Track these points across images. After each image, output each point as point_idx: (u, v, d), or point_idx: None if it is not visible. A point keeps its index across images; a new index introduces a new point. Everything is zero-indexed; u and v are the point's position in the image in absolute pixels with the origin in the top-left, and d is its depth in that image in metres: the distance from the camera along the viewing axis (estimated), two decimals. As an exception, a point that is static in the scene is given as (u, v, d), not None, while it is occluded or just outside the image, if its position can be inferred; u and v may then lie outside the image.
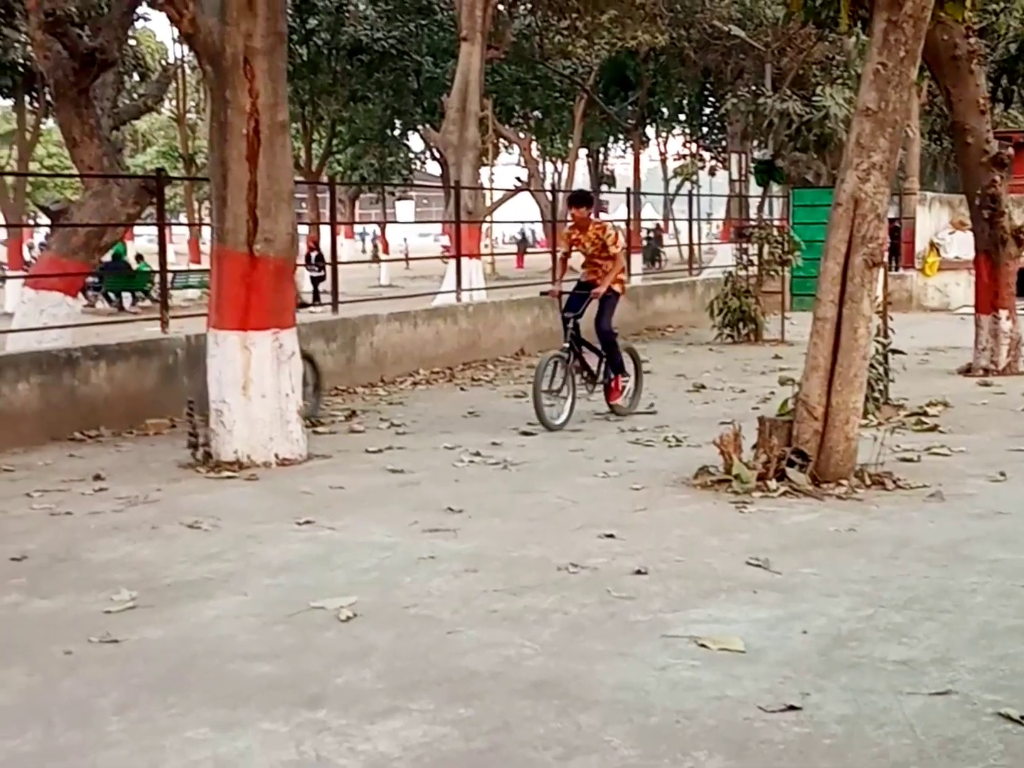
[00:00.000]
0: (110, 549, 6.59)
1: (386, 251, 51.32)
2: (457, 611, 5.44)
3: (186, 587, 5.89)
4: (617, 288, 10.95)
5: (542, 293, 12.06)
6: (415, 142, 49.62)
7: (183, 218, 40.21)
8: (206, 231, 52.29)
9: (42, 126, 33.62)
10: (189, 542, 6.76)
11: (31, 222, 35.19)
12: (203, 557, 6.41)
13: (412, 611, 5.45)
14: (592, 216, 11.30)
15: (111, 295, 27.73)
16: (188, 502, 7.71)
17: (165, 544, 6.71)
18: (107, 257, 19.17)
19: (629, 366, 11.31)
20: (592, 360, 11.00)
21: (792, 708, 4.24)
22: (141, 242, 47.97)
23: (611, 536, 6.69)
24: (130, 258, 29.84)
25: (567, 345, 10.64)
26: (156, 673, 4.73)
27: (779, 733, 4.05)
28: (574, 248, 11.09)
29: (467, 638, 5.07)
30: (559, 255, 11.94)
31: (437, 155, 41.89)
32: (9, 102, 33.78)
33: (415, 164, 52.23)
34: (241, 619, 5.39)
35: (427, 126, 33.74)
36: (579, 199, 11.11)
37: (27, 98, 30.74)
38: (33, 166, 35.77)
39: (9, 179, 32.05)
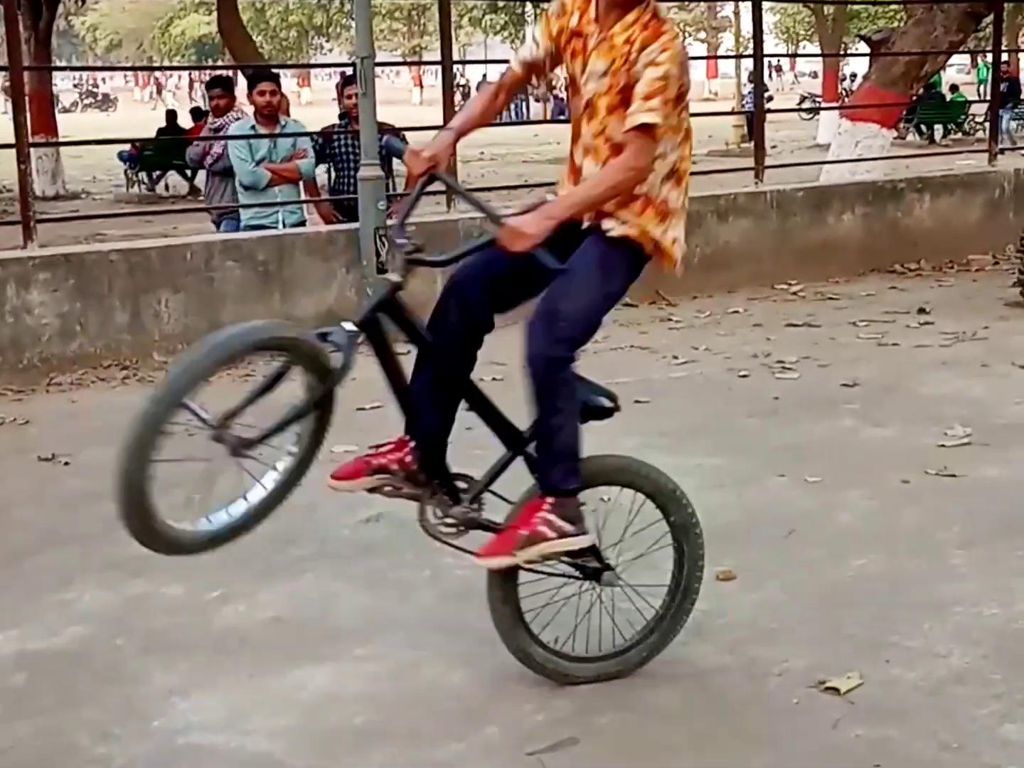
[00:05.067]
0: (939, 383, 6.54)
1: None
2: None
3: (1021, 429, 5.71)
4: (634, 232, 3.19)
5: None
6: None
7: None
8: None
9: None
10: (1021, 383, 6.53)
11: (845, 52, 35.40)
12: (1038, 400, 6.17)
13: None
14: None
15: (923, 127, 27.23)
16: (1018, 342, 7.42)
17: (996, 383, 6.53)
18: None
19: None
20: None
21: None
22: (951, 72, 46.50)
23: None
24: (944, 89, 28.99)
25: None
26: (998, 512, 4.65)
27: None
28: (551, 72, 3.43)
29: None
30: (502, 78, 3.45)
31: None
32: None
33: None
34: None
35: None
36: None
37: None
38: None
39: (828, 9, 32.30)
